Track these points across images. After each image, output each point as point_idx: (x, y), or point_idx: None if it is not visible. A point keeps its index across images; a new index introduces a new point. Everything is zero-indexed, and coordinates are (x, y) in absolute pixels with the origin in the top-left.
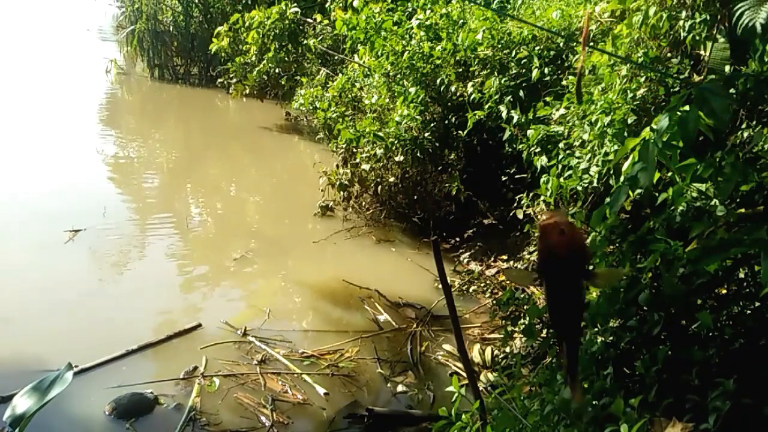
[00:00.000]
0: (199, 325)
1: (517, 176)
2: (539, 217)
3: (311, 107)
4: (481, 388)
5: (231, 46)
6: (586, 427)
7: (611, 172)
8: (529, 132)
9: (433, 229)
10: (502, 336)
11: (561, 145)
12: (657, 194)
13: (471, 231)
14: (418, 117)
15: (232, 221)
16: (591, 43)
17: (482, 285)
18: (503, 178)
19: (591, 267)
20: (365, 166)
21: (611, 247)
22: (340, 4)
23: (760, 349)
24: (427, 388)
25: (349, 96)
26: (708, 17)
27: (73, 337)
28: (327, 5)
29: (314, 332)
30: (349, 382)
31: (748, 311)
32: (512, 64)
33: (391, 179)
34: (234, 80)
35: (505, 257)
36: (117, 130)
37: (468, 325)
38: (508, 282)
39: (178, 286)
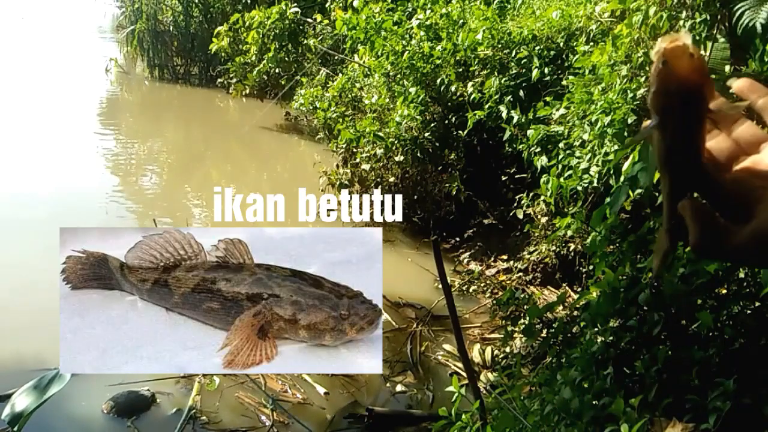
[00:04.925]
0: None
1: (517, 176)
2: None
3: (311, 107)
4: (481, 388)
5: (231, 46)
6: (586, 426)
7: (611, 172)
8: (529, 132)
9: (433, 229)
10: (502, 336)
11: (561, 145)
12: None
13: (471, 231)
14: (418, 117)
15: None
16: (591, 43)
17: (482, 285)
18: (503, 178)
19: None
20: (365, 166)
21: (611, 247)
22: (340, 4)
23: (760, 349)
24: (427, 388)
25: (349, 96)
26: (708, 17)
27: None
28: (327, 5)
29: None
30: (349, 383)
31: (748, 311)
32: (512, 64)
33: (392, 179)
34: (234, 80)
35: (505, 257)
36: (117, 129)
37: (468, 325)
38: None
39: None
